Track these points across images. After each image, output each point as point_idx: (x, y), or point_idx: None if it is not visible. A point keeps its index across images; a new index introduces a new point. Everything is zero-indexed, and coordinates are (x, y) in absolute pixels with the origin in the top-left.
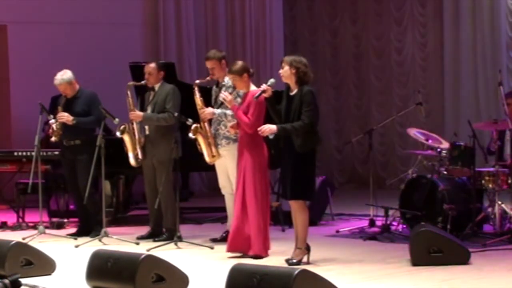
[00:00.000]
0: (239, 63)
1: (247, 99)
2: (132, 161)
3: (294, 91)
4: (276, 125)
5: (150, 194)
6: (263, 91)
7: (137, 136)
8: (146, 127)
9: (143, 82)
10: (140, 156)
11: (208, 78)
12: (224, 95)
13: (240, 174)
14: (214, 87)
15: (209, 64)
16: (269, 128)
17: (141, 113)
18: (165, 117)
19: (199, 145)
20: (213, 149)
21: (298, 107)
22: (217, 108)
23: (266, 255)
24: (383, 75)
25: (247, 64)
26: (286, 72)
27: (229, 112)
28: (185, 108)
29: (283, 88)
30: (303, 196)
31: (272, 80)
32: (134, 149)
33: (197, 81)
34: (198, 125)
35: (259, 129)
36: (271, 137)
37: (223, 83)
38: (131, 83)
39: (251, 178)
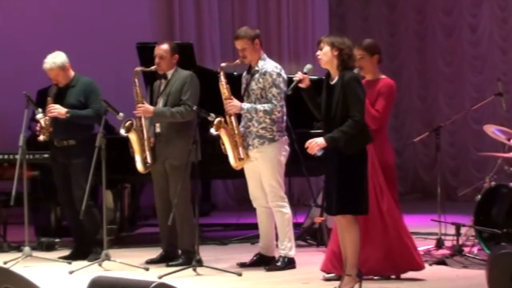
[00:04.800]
0: (371, 40)
1: (377, 88)
2: (139, 166)
3: (335, 79)
4: (324, 137)
5: (161, 207)
6: (299, 81)
7: (145, 135)
8: (157, 123)
9: (153, 68)
10: (149, 159)
11: (237, 61)
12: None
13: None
14: (244, 74)
15: (239, 45)
16: (316, 144)
17: (151, 107)
18: (181, 111)
19: (223, 144)
20: (241, 151)
21: (341, 99)
22: (247, 99)
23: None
24: (453, 58)
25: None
26: (326, 54)
27: (260, 107)
28: (205, 100)
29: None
30: (353, 209)
31: (308, 66)
32: (143, 151)
33: (223, 64)
34: (223, 119)
35: (306, 145)
36: (319, 154)
37: (256, 68)
38: (139, 68)
39: (384, 183)
